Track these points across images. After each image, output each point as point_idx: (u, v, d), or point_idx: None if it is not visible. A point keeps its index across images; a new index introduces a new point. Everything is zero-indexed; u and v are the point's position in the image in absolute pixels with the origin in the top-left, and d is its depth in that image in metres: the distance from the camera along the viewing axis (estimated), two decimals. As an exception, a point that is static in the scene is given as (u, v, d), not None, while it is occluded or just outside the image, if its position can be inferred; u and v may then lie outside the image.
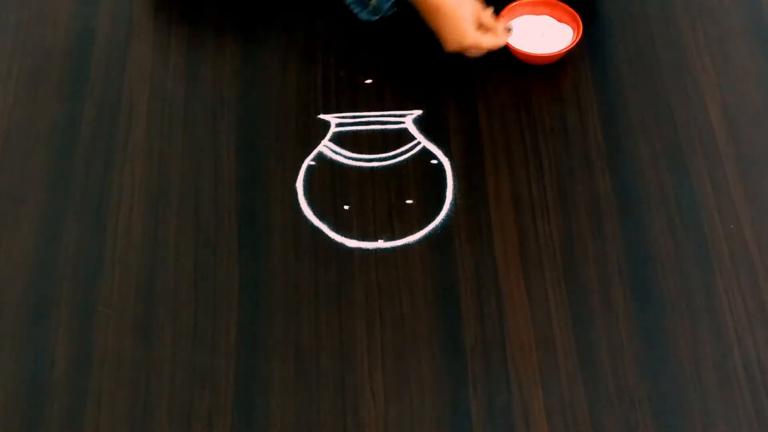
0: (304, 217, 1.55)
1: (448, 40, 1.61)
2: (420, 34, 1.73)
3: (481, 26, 1.62)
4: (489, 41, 1.62)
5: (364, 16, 1.60)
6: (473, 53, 1.63)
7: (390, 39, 1.73)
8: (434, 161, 1.60)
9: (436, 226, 1.53)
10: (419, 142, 1.62)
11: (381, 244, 1.52)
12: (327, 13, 1.75)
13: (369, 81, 1.68)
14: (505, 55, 1.69)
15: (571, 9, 1.69)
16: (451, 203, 1.56)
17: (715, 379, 1.39)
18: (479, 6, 1.62)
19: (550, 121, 1.63)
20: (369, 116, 1.64)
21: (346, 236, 1.53)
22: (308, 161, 1.60)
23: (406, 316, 1.45)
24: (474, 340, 1.43)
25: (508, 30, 1.63)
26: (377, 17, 1.59)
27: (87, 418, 1.39)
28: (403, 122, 1.64)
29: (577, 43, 1.67)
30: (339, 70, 1.70)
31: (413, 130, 1.63)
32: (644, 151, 1.60)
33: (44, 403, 1.40)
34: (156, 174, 1.60)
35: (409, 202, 1.56)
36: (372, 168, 1.60)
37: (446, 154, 1.60)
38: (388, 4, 1.57)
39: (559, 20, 1.70)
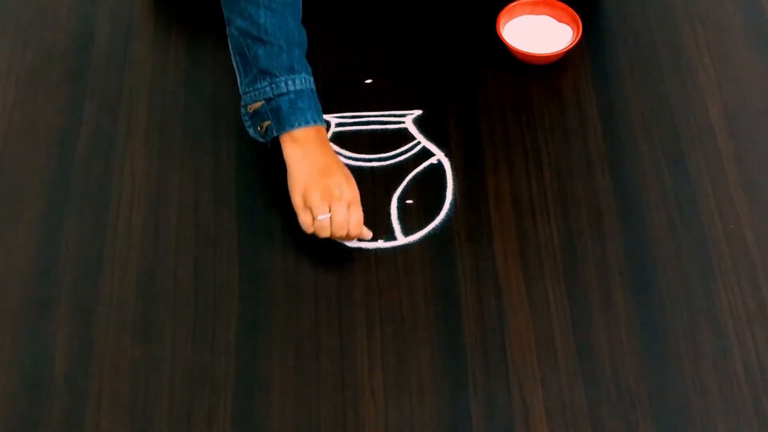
0: (304, 217, 1.55)
1: (298, 189, 1.48)
2: (420, 34, 1.74)
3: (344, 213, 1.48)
4: (303, 218, 1.48)
5: (251, 132, 1.55)
6: (320, 234, 1.48)
7: (390, 39, 1.73)
8: (434, 161, 1.60)
9: (436, 226, 1.53)
10: (419, 142, 1.62)
11: (381, 244, 1.52)
12: (327, 14, 1.75)
13: (369, 81, 1.68)
14: (505, 55, 1.69)
15: (570, 9, 1.69)
16: (451, 203, 1.56)
17: (715, 379, 1.39)
18: (353, 192, 1.48)
19: (550, 121, 1.63)
20: (369, 116, 1.64)
21: (352, 240, 1.53)
22: (308, 161, 1.60)
23: (406, 316, 1.45)
24: (474, 340, 1.43)
25: (367, 235, 1.50)
26: (265, 140, 1.53)
27: (87, 418, 1.39)
28: (403, 122, 1.64)
29: (577, 43, 1.67)
30: (339, 70, 1.70)
31: (413, 130, 1.63)
32: (644, 151, 1.60)
33: (44, 403, 1.40)
34: (156, 174, 1.60)
35: (409, 202, 1.56)
36: (372, 168, 1.60)
37: (446, 154, 1.60)
38: (272, 136, 1.50)
39: (559, 20, 1.70)
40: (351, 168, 1.59)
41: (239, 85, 1.54)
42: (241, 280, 1.49)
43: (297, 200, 1.48)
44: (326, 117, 1.64)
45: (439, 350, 1.43)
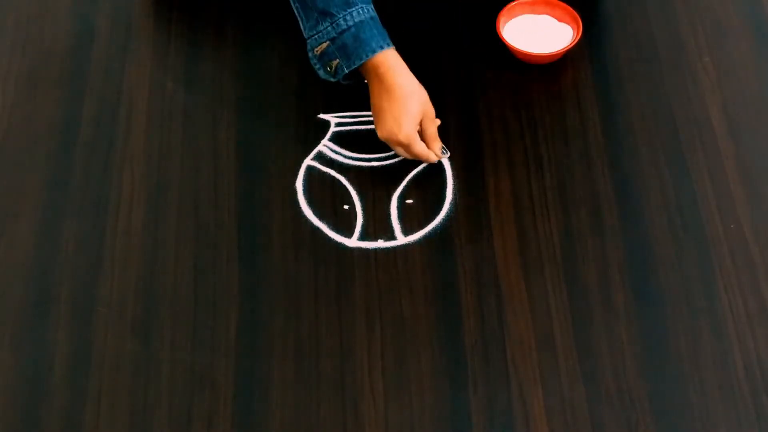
0: (304, 217, 1.55)
1: (384, 126, 1.52)
2: (420, 33, 1.73)
3: (424, 135, 1.55)
4: (421, 149, 1.54)
5: (322, 74, 1.58)
6: (399, 151, 1.55)
7: (390, 38, 1.73)
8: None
9: (436, 226, 1.53)
10: (419, 142, 1.62)
11: (381, 244, 1.52)
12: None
13: (369, 81, 1.68)
14: (505, 55, 1.69)
15: (570, 8, 1.69)
16: (451, 203, 1.56)
17: (715, 379, 1.39)
18: (431, 112, 1.55)
19: (550, 121, 1.63)
20: (369, 116, 1.64)
21: (346, 236, 1.53)
22: (308, 161, 1.60)
23: (406, 316, 1.45)
24: (474, 340, 1.43)
25: (444, 153, 1.57)
26: (337, 79, 1.57)
27: (86, 418, 1.39)
28: (403, 122, 1.64)
29: (577, 43, 1.67)
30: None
31: (413, 130, 1.63)
32: (644, 151, 1.60)
33: (44, 402, 1.40)
34: (156, 174, 1.60)
35: (409, 202, 1.56)
36: (372, 168, 1.60)
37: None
38: (343, 73, 1.54)
39: (559, 20, 1.70)
40: (351, 168, 1.59)
41: (303, 30, 1.56)
42: (241, 280, 1.49)
43: (381, 136, 1.53)
44: (326, 117, 1.64)
45: (439, 350, 1.43)
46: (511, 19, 1.70)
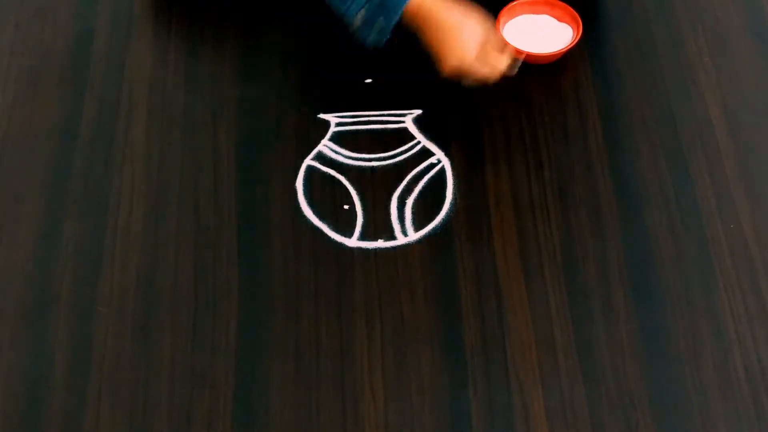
0: (304, 217, 1.55)
1: (448, 57, 1.55)
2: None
3: (486, 53, 1.57)
4: (490, 71, 1.57)
5: (373, 39, 1.58)
6: (469, 81, 1.58)
7: (390, 39, 1.73)
8: (434, 161, 1.60)
9: (436, 226, 1.53)
10: (419, 142, 1.62)
11: (381, 244, 1.52)
12: (327, 13, 1.75)
13: (369, 81, 1.68)
14: (505, 54, 1.69)
15: (570, 8, 1.69)
16: (451, 203, 1.56)
17: (715, 379, 1.39)
18: (488, 29, 1.57)
19: (550, 121, 1.63)
20: (369, 116, 1.64)
21: (346, 236, 1.53)
22: (308, 161, 1.60)
23: (406, 316, 1.45)
24: (474, 340, 1.43)
25: (515, 65, 1.59)
26: (387, 37, 1.57)
27: (86, 418, 1.39)
28: (403, 122, 1.64)
29: (576, 43, 1.67)
30: (339, 70, 1.70)
31: (413, 130, 1.63)
32: (644, 151, 1.60)
33: (44, 402, 1.40)
34: (156, 174, 1.60)
35: (408, 201, 1.56)
36: (372, 168, 1.60)
37: (446, 154, 1.60)
38: (391, 27, 1.55)
39: (559, 20, 1.70)
40: (351, 168, 1.59)
41: (336, 10, 1.57)
42: (241, 280, 1.49)
43: (449, 71, 1.55)
44: (326, 117, 1.64)
45: (439, 350, 1.43)
46: (511, 19, 1.70)
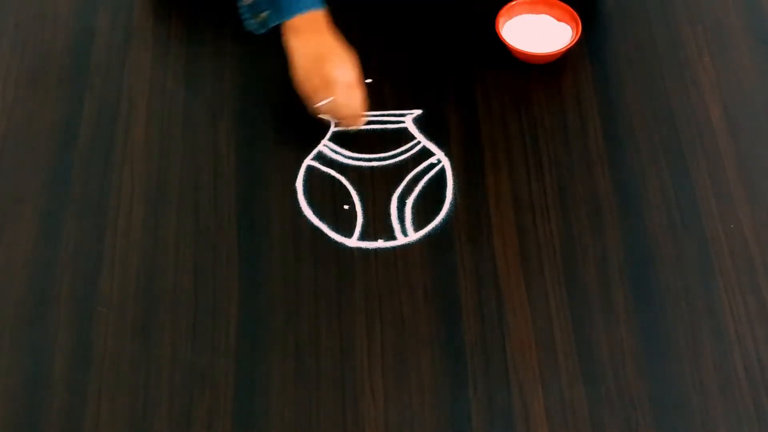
0: (304, 217, 1.55)
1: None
2: (420, 33, 1.74)
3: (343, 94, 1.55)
4: (311, 106, 1.55)
5: (251, 24, 1.58)
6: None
7: (390, 39, 1.73)
8: (434, 161, 1.60)
9: (436, 226, 1.53)
10: (419, 142, 1.62)
11: (381, 244, 1.52)
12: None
13: (369, 81, 1.68)
14: (504, 54, 1.69)
15: (569, 8, 1.69)
16: (451, 203, 1.56)
17: (715, 379, 1.39)
18: (350, 71, 1.54)
19: (550, 121, 1.63)
20: (369, 116, 1.64)
21: (346, 236, 1.53)
22: (308, 161, 1.60)
23: (406, 316, 1.45)
24: (474, 340, 1.43)
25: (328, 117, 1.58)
26: (264, 30, 1.57)
27: (86, 418, 1.39)
28: (403, 122, 1.64)
29: (576, 43, 1.67)
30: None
31: (413, 130, 1.63)
32: (644, 151, 1.60)
33: (44, 402, 1.40)
34: (156, 174, 1.60)
35: (408, 201, 1.56)
36: (372, 168, 1.60)
37: (446, 154, 1.60)
38: (272, 25, 1.54)
39: (558, 19, 1.70)
40: (351, 168, 1.59)
41: None
42: (241, 280, 1.49)
43: (302, 89, 1.54)
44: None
45: (439, 350, 1.43)
46: (510, 18, 1.70)
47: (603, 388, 1.39)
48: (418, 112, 1.65)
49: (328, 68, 1.53)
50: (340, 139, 1.62)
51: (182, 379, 1.41)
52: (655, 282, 1.47)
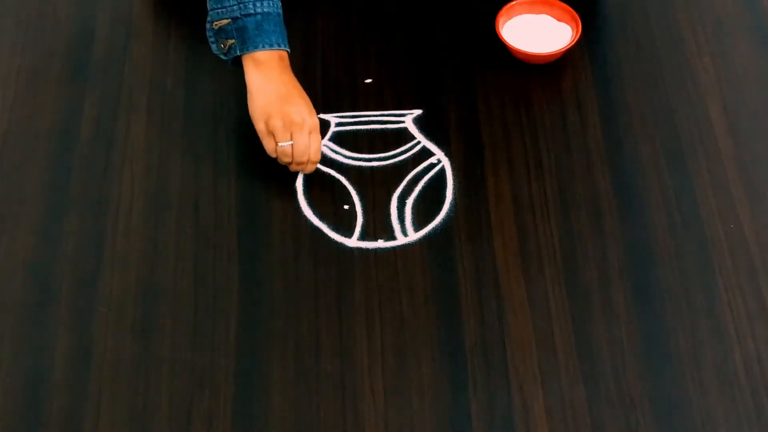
0: (304, 217, 1.55)
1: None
2: (420, 33, 1.74)
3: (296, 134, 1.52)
4: (268, 145, 1.53)
5: (214, 48, 1.56)
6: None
7: (390, 39, 1.73)
8: (434, 161, 1.60)
9: (436, 226, 1.53)
10: (419, 142, 1.62)
11: (381, 244, 1.52)
12: (326, 13, 1.75)
13: (369, 81, 1.68)
14: (504, 54, 1.69)
15: (569, 8, 1.69)
16: (451, 203, 1.56)
17: (715, 379, 1.39)
18: (307, 116, 1.51)
19: (550, 121, 1.63)
20: (369, 116, 1.64)
21: (346, 236, 1.53)
22: (308, 161, 1.60)
23: (406, 316, 1.45)
24: (474, 340, 1.43)
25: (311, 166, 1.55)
26: (227, 58, 1.55)
27: (86, 418, 1.39)
28: (403, 122, 1.64)
29: (576, 42, 1.67)
30: (339, 70, 1.70)
31: (413, 130, 1.63)
32: (644, 151, 1.60)
33: (44, 402, 1.40)
34: (156, 174, 1.60)
35: (408, 202, 1.56)
36: (372, 168, 1.60)
37: (446, 154, 1.60)
38: (235, 55, 1.53)
39: (558, 19, 1.70)
40: (351, 167, 1.59)
41: (207, 1, 1.55)
42: (241, 280, 1.49)
43: (260, 126, 1.53)
44: (326, 117, 1.64)
45: (439, 350, 1.43)
46: (510, 18, 1.70)
47: (603, 388, 1.39)
48: (418, 112, 1.65)
49: (291, 110, 1.51)
50: (340, 139, 1.62)
51: (182, 379, 1.41)
52: (655, 282, 1.47)
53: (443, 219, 1.54)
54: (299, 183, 1.58)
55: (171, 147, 1.63)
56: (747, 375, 1.39)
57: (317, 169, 1.59)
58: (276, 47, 1.52)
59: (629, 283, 1.47)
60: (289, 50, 1.54)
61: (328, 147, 1.62)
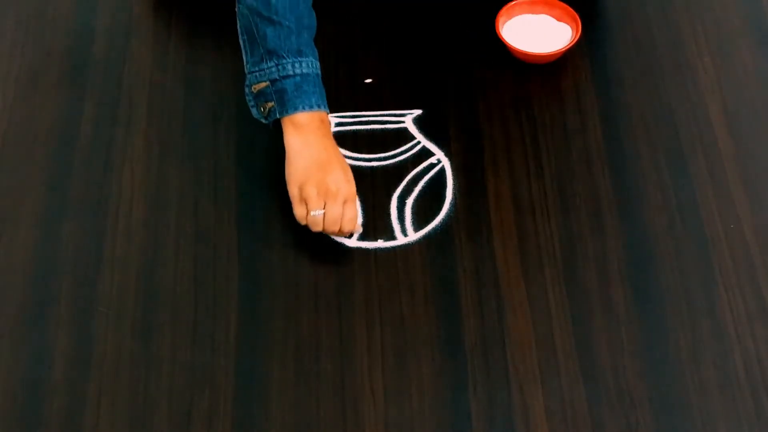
0: (304, 217, 1.55)
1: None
2: (420, 34, 1.74)
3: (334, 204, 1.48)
4: (299, 211, 1.49)
5: (254, 113, 1.54)
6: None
7: (390, 39, 1.73)
8: (434, 161, 1.60)
9: (436, 226, 1.53)
10: (419, 142, 1.62)
11: (381, 244, 1.52)
12: (326, 13, 1.75)
13: (369, 81, 1.68)
14: (505, 55, 1.69)
15: (569, 8, 1.69)
16: (451, 203, 1.56)
17: (715, 379, 1.39)
18: (346, 184, 1.49)
19: (550, 121, 1.63)
20: (369, 116, 1.64)
21: (346, 236, 1.53)
22: (308, 161, 1.60)
23: (406, 316, 1.45)
24: (474, 340, 1.43)
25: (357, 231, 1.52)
26: (267, 122, 1.52)
27: (86, 418, 1.39)
28: (403, 122, 1.64)
29: (576, 42, 1.67)
30: (339, 70, 1.70)
31: (413, 130, 1.63)
32: (644, 151, 1.60)
33: (44, 402, 1.40)
34: (156, 174, 1.60)
35: (408, 201, 1.56)
36: (372, 168, 1.60)
37: (446, 154, 1.60)
38: (275, 118, 1.50)
39: (558, 19, 1.70)
40: (351, 167, 1.59)
41: (245, 64, 1.53)
42: (241, 280, 1.49)
43: (293, 191, 1.49)
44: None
45: (439, 350, 1.43)
46: (510, 18, 1.70)
47: (603, 388, 1.39)
48: (418, 112, 1.65)
49: (328, 178, 1.48)
50: (340, 139, 1.62)
51: (182, 379, 1.41)
52: (655, 282, 1.47)
53: (443, 219, 1.54)
54: (299, 183, 1.58)
55: (171, 147, 1.63)
56: (747, 375, 1.39)
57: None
58: (315, 109, 1.49)
59: (629, 283, 1.47)
60: (328, 111, 1.51)
61: (328, 147, 1.61)
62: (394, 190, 1.57)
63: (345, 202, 1.48)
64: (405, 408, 1.38)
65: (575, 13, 1.68)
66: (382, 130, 1.63)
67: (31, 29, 1.77)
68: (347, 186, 1.48)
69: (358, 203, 1.51)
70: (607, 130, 1.62)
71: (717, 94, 1.65)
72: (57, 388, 1.41)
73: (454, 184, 1.57)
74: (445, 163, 1.60)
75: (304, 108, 1.48)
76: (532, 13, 1.71)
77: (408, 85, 1.68)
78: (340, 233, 1.50)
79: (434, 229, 1.53)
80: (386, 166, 1.60)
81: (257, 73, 1.51)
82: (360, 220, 1.52)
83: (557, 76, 1.68)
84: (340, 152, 1.51)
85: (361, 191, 1.56)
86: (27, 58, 1.74)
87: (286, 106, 1.49)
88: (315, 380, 1.41)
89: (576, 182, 1.57)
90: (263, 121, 1.54)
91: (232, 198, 1.57)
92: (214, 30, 1.76)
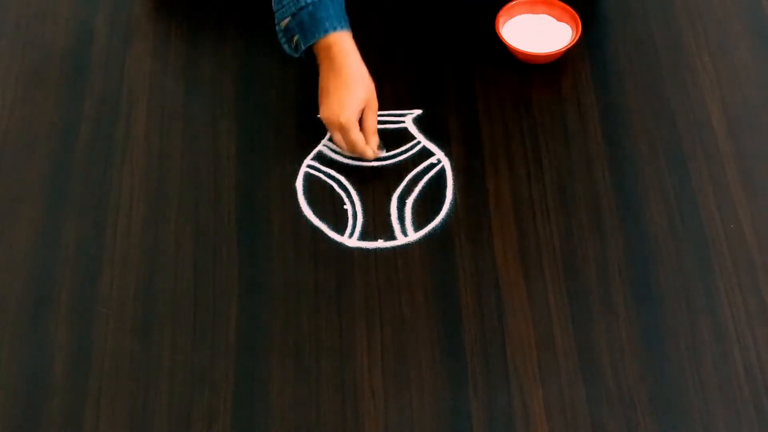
0: (304, 217, 1.55)
1: (327, 106, 1.53)
2: (419, 33, 1.74)
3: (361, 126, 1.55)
4: (357, 137, 1.54)
5: (286, 49, 1.59)
6: (336, 138, 1.55)
7: (390, 39, 1.73)
8: (434, 161, 1.60)
9: (436, 226, 1.53)
10: (419, 142, 1.62)
11: (381, 244, 1.52)
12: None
13: (369, 81, 1.68)
14: (504, 54, 1.69)
15: (569, 7, 1.69)
16: (451, 203, 1.56)
17: (715, 379, 1.39)
18: (374, 104, 1.55)
19: (550, 121, 1.63)
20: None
21: (346, 236, 1.53)
22: (308, 161, 1.60)
23: (406, 316, 1.45)
24: (474, 340, 1.43)
25: (381, 149, 1.57)
26: (298, 54, 1.57)
27: (86, 418, 1.39)
28: (403, 122, 1.64)
29: (576, 42, 1.67)
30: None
31: (413, 130, 1.63)
32: (644, 151, 1.60)
33: (43, 402, 1.40)
34: (156, 174, 1.60)
35: (408, 201, 1.56)
36: (372, 168, 1.60)
37: (446, 154, 1.60)
38: (302, 49, 1.55)
39: (558, 19, 1.70)
40: (351, 168, 1.59)
41: (273, 4, 1.57)
42: (241, 280, 1.49)
43: (322, 116, 1.55)
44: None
45: (439, 350, 1.43)
46: (510, 18, 1.70)
47: (603, 388, 1.39)
48: (418, 112, 1.65)
49: (322, 108, 1.54)
50: (340, 139, 1.62)
51: (182, 379, 1.41)
52: (655, 282, 1.47)
53: (443, 219, 1.54)
54: (299, 183, 1.58)
55: (171, 147, 1.63)
56: (747, 375, 1.39)
57: (317, 169, 1.59)
58: (332, 31, 1.52)
59: (629, 283, 1.47)
60: (348, 29, 1.54)
61: (328, 147, 1.62)
62: (394, 190, 1.57)
63: (342, 130, 1.53)
64: (405, 408, 1.38)
65: (575, 13, 1.68)
66: (382, 130, 1.63)
67: (31, 29, 1.78)
68: (334, 116, 1.52)
69: (358, 133, 1.54)
70: (607, 130, 1.62)
71: (717, 94, 1.65)
72: (57, 387, 1.41)
73: (454, 184, 1.57)
74: (445, 163, 1.60)
75: (320, 34, 1.53)
76: (532, 13, 1.71)
77: (408, 85, 1.68)
78: (357, 155, 1.57)
79: (434, 229, 1.53)
80: (386, 166, 1.60)
81: (281, 11, 1.56)
82: (375, 142, 1.57)
83: (557, 76, 1.68)
84: (348, 72, 1.53)
85: (361, 191, 1.56)
86: (27, 58, 1.74)
87: (307, 36, 1.54)
88: (315, 380, 1.41)
89: (576, 182, 1.57)
90: (295, 55, 1.58)
91: (232, 198, 1.57)
92: (214, 30, 1.76)
